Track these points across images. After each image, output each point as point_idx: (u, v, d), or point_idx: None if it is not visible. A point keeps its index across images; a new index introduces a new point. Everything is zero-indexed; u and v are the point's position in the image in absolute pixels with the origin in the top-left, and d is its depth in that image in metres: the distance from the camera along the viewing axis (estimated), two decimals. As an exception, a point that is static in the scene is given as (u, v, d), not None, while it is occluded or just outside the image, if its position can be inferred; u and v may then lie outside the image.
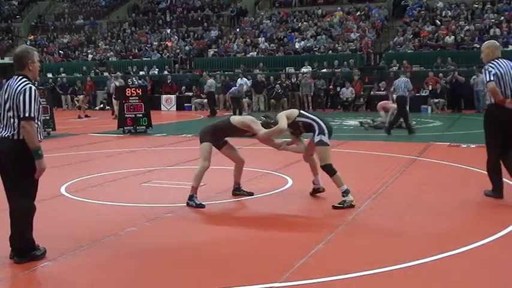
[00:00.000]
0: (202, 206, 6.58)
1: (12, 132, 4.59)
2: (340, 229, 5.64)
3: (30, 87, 4.59)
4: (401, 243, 5.18)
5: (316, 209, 6.69)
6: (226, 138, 7.03)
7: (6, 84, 4.72)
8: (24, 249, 4.68)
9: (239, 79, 24.50)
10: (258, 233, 5.73)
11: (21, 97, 4.53)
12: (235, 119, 6.91)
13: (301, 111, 6.77)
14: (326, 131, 6.50)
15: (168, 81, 26.67)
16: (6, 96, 4.65)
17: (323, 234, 5.40)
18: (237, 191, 7.19)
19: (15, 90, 4.57)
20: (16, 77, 4.70)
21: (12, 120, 4.59)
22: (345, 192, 6.44)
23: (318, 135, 6.50)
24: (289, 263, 4.54)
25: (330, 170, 6.51)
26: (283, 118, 6.56)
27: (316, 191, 7.05)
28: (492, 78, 6.53)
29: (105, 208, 6.72)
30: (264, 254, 4.93)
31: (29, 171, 4.57)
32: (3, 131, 4.64)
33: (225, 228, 5.95)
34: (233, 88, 22.11)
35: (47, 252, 4.80)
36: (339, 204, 6.39)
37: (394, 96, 15.12)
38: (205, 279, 4.33)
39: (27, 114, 4.51)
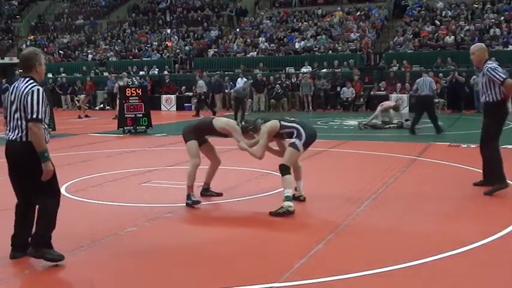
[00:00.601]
0: (198, 202, 6.64)
1: (20, 135, 4.55)
2: (340, 229, 5.64)
3: (38, 89, 4.54)
4: (401, 243, 5.18)
5: (316, 209, 6.68)
6: (207, 137, 7.07)
7: (13, 86, 4.70)
8: (42, 241, 4.64)
9: (239, 79, 24.47)
10: (258, 233, 5.73)
11: (29, 98, 4.49)
12: (218, 122, 6.84)
13: (282, 122, 6.57)
14: (304, 137, 6.38)
15: (167, 81, 26.67)
16: (12, 98, 4.61)
17: (323, 234, 5.40)
18: (206, 192, 7.17)
19: (22, 91, 4.53)
20: (23, 79, 4.66)
21: (19, 122, 4.55)
22: (287, 198, 6.17)
23: (294, 138, 6.45)
24: (289, 263, 4.54)
25: (283, 169, 6.32)
26: (263, 136, 6.53)
27: (295, 199, 6.66)
28: (506, 75, 6.88)
29: (105, 208, 6.72)
30: (264, 254, 4.94)
31: (42, 171, 4.54)
32: (11, 134, 4.61)
33: (225, 228, 5.95)
34: (238, 86, 21.03)
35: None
36: (276, 210, 6.14)
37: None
38: (205, 279, 4.33)
39: (34, 116, 4.47)
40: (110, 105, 25.01)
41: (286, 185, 6.27)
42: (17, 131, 4.57)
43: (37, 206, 4.70)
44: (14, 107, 4.59)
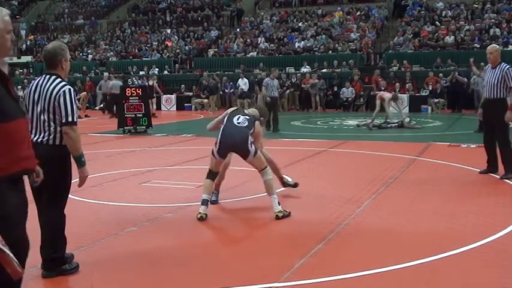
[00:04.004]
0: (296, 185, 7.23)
1: (47, 138, 4.23)
2: (340, 229, 5.64)
3: (70, 89, 4.24)
4: (401, 243, 5.18)
5: (316, 209, 6.68)
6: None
7: (35, 84, 4.36)
8: (54, 262, 4.40)
9: (240, 79, 24.47)
10: (258, 233, 5.73)
11: (62, 100, 4.17)
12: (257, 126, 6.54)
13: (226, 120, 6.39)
14: (218, 141, 6.24)
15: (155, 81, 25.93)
16: (37, 97, 4.28)
17: (323, 234, 5.40)
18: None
19: (52, 92, 4.21)
20: (48, 76, 4.31)
21: (47, 123, 4.23)
22: (203, 202, 6.10)
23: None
24: (289, 263, 4.54)
25: (207, 173, 6.29)
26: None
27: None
28: None
29: (105, 208, 6.72)
30: (264, 254, 4.94)
31: (63, 180, 4.29)
32: (36, 135, 4.25)
33: (225, 228, 5.95)
34: (268, 88, 16.93)
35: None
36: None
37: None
38: (205, 279, 4.33)
39: (70, 119, 4.17)
40: (108, 107, 23.01)
41: (205, 190, 6.20)
42: (44, 134, 4.24)
43: (43, 223, 4.33)
44: (39, 108, 4.25)
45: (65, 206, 4.48)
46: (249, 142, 6.13)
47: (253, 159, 6.19)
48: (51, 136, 4.25)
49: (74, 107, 4.23)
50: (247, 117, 6.37)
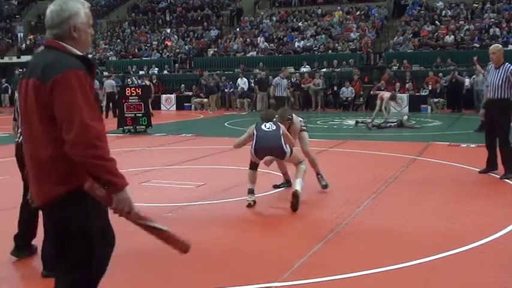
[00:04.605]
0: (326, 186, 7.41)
1: None
2: (340, 229, 5.63)
3: None
4: (401, 243, 5.17)
5: (315, 209, 6.68)
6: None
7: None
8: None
9: (239, 79, 24.46)
10: (258, 233, 5.73)
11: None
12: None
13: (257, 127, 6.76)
14: (253, 147, 6.60)
15: (154, 81, 25.91)
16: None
17: (323, 234, 5.40)
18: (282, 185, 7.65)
19: None
20: None
21: None
22: (248, 191, 6.65)
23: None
24: (288, 263, 4.53)
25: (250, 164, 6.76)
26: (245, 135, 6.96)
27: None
28: None
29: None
30: (264, 254, 4.93)
31: None
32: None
33: (225, 228, 5.94)
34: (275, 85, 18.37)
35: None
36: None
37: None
38: (205, 279, 4.32)
39: None
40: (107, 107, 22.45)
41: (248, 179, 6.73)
42: None
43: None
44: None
45: None
46: (283, 143, 6.57)
47: (290, 159, 6.74)
48: None
49: None
50: (272, 122, 6.80)
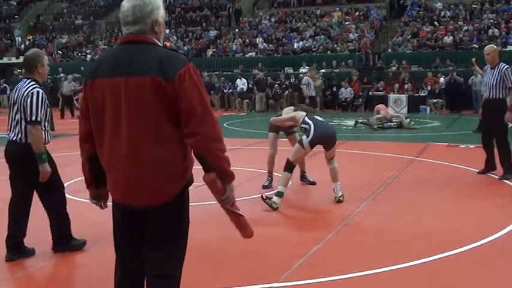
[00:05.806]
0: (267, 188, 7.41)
1: (20, 136, 4.62)
2: (339, 229, 5.64)
3: (38, 91, 4.60)
4: (401, 243, 5.18)
5: (315, 209, 6.69)
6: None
7: (16, 87, 4.79)
8: (61, 240, 4.87)
9: (238, 79, 24.45)
10: (258, 233, 5.69)
11: (29, 100, 4.54)
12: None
13: (305, 118, 6.83)
14: (311, 136, 6.56)
15: None
16: (15, 98, 4.69)
17: (322, 234, 5.40)
18: (303, 178, 7.93)
19: (23, 93, 4.60)
20: (25, 80, 4.73)
21: (19, 123, 4.62)
22: (278, 194, 6.51)
23: (303, 135, 6.73)
24: (288, 263, 4.54)
25: (286, 165, 6.67)
26: (286, 117, 7.23)
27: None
28: None
29: (106, 208, 6.69)
30: (264, 254, 4.93)
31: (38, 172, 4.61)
32: (12, 134, 4.68)
33: (224, 228, 5.92)
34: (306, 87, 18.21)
35: (47, 251, 4.80)
36: (265, 198, 6.49)
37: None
38: (205, 279, 4.33)
39: (33, 118, 4.52)
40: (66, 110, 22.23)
41: (283, 181, 6.57)
42: (17, 132, 4.63)
43: (47, 210, 4.84)
44: (15, 108, 4.66)
45: (63, 187, 4.96)
46: None
47: (333, 149, 6.86)
48: (23, 134, 4.61)
49: (39, 108, 4.55)
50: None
